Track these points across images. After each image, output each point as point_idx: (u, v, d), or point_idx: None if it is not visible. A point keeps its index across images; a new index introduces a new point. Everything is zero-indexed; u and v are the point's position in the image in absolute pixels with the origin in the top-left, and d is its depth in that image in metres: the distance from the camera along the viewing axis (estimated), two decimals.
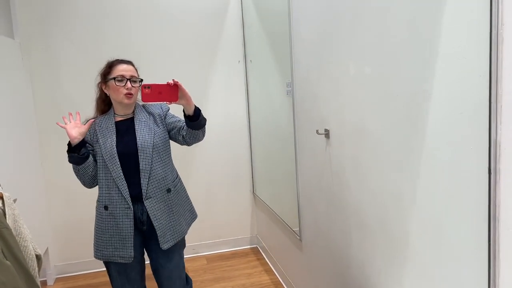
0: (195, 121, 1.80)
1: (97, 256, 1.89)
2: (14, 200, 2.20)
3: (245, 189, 3.49)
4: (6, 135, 2.44)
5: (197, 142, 1.91)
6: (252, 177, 3.47)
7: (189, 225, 2.02)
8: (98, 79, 1.91)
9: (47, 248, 3.00)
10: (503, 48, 0.91)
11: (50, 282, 3.04)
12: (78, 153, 1.78)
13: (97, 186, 1.91)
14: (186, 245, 2.12)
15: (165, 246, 1.86)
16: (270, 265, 3.11)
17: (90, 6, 2.99)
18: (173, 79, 1.71)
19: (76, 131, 1.77)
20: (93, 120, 1.87)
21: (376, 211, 1.50)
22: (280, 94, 2.51)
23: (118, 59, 1.89)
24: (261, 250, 3.41)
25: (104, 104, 1.95)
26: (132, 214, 1.83)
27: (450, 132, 1.08)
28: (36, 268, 1.88)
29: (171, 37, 3.16)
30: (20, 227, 1.84)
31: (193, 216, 2.08)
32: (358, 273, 1.70)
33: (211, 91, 3.29)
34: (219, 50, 3.29)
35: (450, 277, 1.14)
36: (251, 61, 3.18)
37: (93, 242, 1.91)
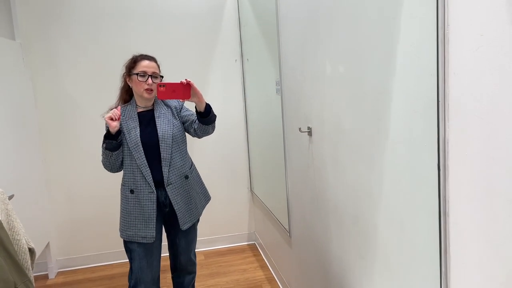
0: (206, 117, 1.97)
1: (123, 236, 2.04)
2: (11, 196, 2.28)
3: (243, 186, 3.53)
4: (8, 134, 2.53)
5: (207, 135, 2.08)
6: (250, 175, 3.52)
7: (203, 207, 2.23)
8: (123, 70, 2.06)
9: (48, 242, 3.09)
10: (449, 48, 0.93)
11: (51, 276, 3.14)
12: (116, 139, 1.94)
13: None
14: None
15: (184, 227, 2.07)
16: (266, 261, 3.16)
17: (90, 7, 3.06)
18: (185, 79, 1.87)
19: (116, 122, 1.92)
20: (119, 107, 1.99)
21: (351, 206, 1.53)
22: (271, 92, 2.55)
23: (142, 55, 2.04)
24: (258, 247, 3.45)
25: (127, 94, 2.11)
26: (155, 198, 2.00)
27: (407, 129, 1.11)
28: (29, 261, 1.95)
29: (169, 36, 3.22)
30: (13, 221, 1.91)
31: (207, 198, 2.28)
32: (337, 268, 1.73)
33: (209, 90, 3.34)
34: (216, 49, 3.33)
35: (409, 269, 1.17)
36: (247, 59, 3.22)
37: (119, 224, 2.09)
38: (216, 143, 3.42)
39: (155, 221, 2.01)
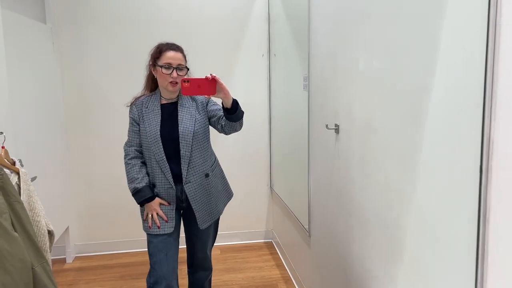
0: (233, 114, 1.86)
1: (144, 229, 2.01)
2: (34, 178, 2.30)
3: (263, 183, 3.49)
4: (34, 117, 2.55)
5: (235, 132, 1.97)
6: (270, 172, 3.47)
7: (225, 204, 2.17)
8: (148, 59, 1.98)
9: (68, 227, 3.11)
10: (500, 42, 0.87)
11: (69, 260, 3.16)
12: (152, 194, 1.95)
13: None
14: None
15: (203, 226, 2.02)
16: (282, 260, 3.11)
17: None
18: (210, 74, 1.77)
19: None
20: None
21: (378, 208, 1.47)
22: (298, 88, 2.49)
23: (168, 44, 1.95)
24: (275, 245, 3.41)
25: (153, 83, 2.04)
26: (174, 193, 1.96)
27: (448, 129, 1.04)
28: (48, 243, 1.96)
29: (197, 28, 3.19)
30: (34, 202, 1.92)
31: (229, 195, 2.22)
32: (358, 271, 1.67)
33: (234, 84, 3.30)
34: (244, 44, 3.30)
35: (441, 276, 1.10)
36: (275, 55, 3.17)
37: (140, 215, 2.04)
38: (238, 138, 3.38)
39: (174, 214, 1.98)
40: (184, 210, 2.08)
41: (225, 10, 3.22)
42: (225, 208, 2.21)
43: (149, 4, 3.11)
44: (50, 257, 1.97)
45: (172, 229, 1.97)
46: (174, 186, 1.95)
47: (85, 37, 3.06)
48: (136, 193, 1.94)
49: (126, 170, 1.99)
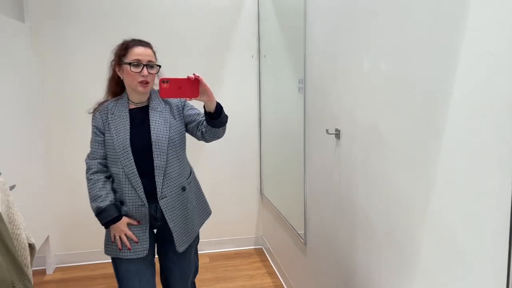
0: (217, 119, 1.67)
1: (107, 252, 1.76)
2: (12, 187, 2.15)
3: (253, 188, 3.40)
4: (12, 121, 2.40)
5: (217, 139, 1.78)
6: (260, 176, 3.38)
7: (201, 223, 1.92)
8: (112, 58, 1.75)
9: (48, 236, 2.96)
10: None
11: (49, 271, 3.00)
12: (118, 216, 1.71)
13: None
14: None
15: (181, 248, 1.76)
16: (274, 268, 3.02)
17: None
18: (193, 73, 1.57)
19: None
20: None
21: (385, 219, 1.39)
22: (292, 91, 2.41)
23: (135, 40, 1.73)
24: (265, 252, 3.31)
25: (117, 86, 1.79)
26: (147, 211, 1.71)
27: (470, 136, 0.97)
28: (28, 258, 1.81)
29: (183, 30, 3.08)
30: (14, 214, 1.78)
31: (206, 213, 1.97)
32: (363, 283, 1.59)
33: (223, 86, 3.20)
34: (232, 44, 3.20)
35: None
36: (265, 56, 3.08)
37: (104, 238, 1.79)
38: (226, 142, 3.26)
39: (148, 235, 1.74)
40: (158, 231, 1.85)
41: (212, 9, 3.12)
42: (215, 214, 2.09)
43: (133, 1, 2.98)
44: (31, 272, 1.83)
45: (145, 252, 1.73)
46: (146, 203, 1.70)
47: (65, 36, 2.91)
48: (99, 213, 1.69)
49: (88, 187, 1.74)
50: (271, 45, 2.89)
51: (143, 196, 1.69)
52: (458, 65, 1.01)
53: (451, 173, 1.05)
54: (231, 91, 3.22)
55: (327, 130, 1.80)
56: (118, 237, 1.71)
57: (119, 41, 1.76)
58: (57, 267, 3.09)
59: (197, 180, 1.94)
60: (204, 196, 1.97)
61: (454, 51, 1.02)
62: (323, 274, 2.03)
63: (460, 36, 0.99)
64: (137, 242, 1.72)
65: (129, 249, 1.71)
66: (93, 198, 1.72)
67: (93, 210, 1.73)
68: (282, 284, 2.77)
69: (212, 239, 3.32)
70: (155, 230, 1.87)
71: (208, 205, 1.99)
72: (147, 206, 1.71)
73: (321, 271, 2.05)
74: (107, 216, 1.69)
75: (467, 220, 1.00)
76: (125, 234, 1.71)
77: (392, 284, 1.36)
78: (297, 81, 2.29)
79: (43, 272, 3.01)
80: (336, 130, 1.77)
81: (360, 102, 1.54)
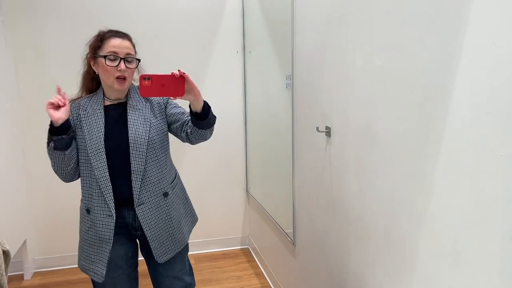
0: (204, 120, 1.52)
1: (79, 265, 1.65)
2: None
3: (238, 187, 3.32)
4: None
5: (203, 141, 1.64)
6: (246, 175, 3.31)
7: (189, 231, 1.77)
8: (86, 50, 1.59)
9: (25, 240, 2.83)
10: None
11: (27, 277, 2.87)
12: (67, 133, 1.47)
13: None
14: None
15: (162, 259, 1.61)
16: (261, 268, 2.95)
17: None
18: (178, 70, 1.41)
19: (61, 110, 1.45)
20: (59, 86, 1.51)
21: (380, 220, 1.34)
22: (279, 88, 2.34)
23: (112, 31, 1.56)
24: (252, 252, 3.25)
25: (92, 81, 1.64)
26: (113, 224, 1.54)
27: (473, 135, 0.92)
28: (3, 265, 1.71)
29: (165, 24, 2.97)
30: None
31: (193, 219, 1.82)
32: (356, 284, 1.53)
33: (206, 83, 3.11)
34: (216, 40, 3.11)
35: None
36: (250, 52, 3.01)
37: (78, 244, 1.67)
38: (210, 140, 3.12)
39: (108, 254, 1.55)
40: (140, 241, 1.70)
41: (195, 3, 3.02)
42: (199, 214, 1.99)
43: None
44: (6, 280, 1.72)
45: (102, 279, 1.56)
46: (114, 214, 1.53)
47: (42, 31, 2.78)
48: (52, 140, 1.49)
49: (51, 158, 1.55)
50: (256, 40, 2.81)
51: (111, 203, 1.52)
52: (460, 58, 0.95)
53: (452, 173, 0.99)
54: (215, 88, 3.12)
55: (317, 128, 1.73)
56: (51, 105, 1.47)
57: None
58: (35, 272, 2.96)
59: (182, 185, 1.79)
60: (190, 202, 1.83)
61: (455, 43, 0.96)
62: (313, 276, 1.97)
63: (462, 26, 0.93)
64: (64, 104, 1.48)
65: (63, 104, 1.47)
66: (47, 150, 1.55)
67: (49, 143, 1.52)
68: (270, 285, 2.71)
69: (197, 240, 3.23)
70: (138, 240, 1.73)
71: (194, 211, 1.85)
72: (114, 218, 1.54)
73: (311, 273, 1.99)
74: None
75: (470, 222, 0.94)
76: (49, 105, 1.46)
77: (388, 286, 1.31)
78: (284, 77, 2.23)
79: (20, 277, 2.88)
80: (327, 127, 1.70)
81: (353, 99, 1.48)
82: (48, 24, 2.78)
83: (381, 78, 1.29)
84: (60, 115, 1.45)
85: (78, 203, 2.88)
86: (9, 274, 2.87)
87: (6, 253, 1.74)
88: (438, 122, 1.03)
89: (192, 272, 1.83)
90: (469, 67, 0.92)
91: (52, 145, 1.49)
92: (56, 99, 1.45)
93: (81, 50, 2.82)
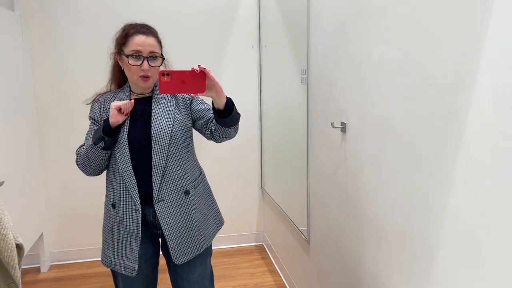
0: (227, 117, 1.45)
1: (103, 262, 1.63)
2: (1, 183, 2.05)
3: (253, 183, 3.29)
4: (3, 114, 2.29)
5: (228, 139, 1.57)
6: (261, 171, 3.27)
7: (213, 234, 1.70)
8: (113, 45, 1.56)
9: (42, 233, 2.86)
10: None
11: (43, 269, 2.91)
12: (116, 136, 1.50)
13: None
14: None
15: (179, 260, 1.56)
16: (275, 266, 2.92)
17: None
18: (199, 65, 1.36)
19: (121, 115, 1.48)
20: (132, 101, 1.51)
21: (397, 218, 1.29)
22: (294, 82, 2.30)
23: (137, 26, 1.52)
24: (266, 249, 3.22)
25: (120, 75, 1.61)
26: (139, 218, 1.51)
27: (495, 131, 0.86)
28: (16, 259, 1.72)
29: (180, 18, 2.96)
30: (0, 213, 1.68)
31: (218, 222, 1.75)
32: (371, 284, 1.49)
33: (221, 78, 3.08)
34: (232, 34, 3.08)
35: None
36: (265, 46, 2.96)
37: (101, 241, 1.65)
38: None
39: (138, 248, 1.53)
40: (162, 241, 1.67)
41: None
42: None
43: None
44: (19, 274, 1.73)
45: (135, 273, 1.54)
46: (139, 208, 1.51)
47: (57, 25, 2.79)
48: (99, 139, 1.48)
49: (81, 157, 1.53)
50: (272, 35, 2.77)
51: (136, 198, 1.50)
52: (483, 50, 0.89)
53: (473, 170, 0.94)
54: (230, 83, 3.10)
55: (332, 124, 1.69)
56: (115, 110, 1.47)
57: (113, 31, 1.60)
58: (52, 265, 3.00)
59: (207, 185, 1.74)
60: (215, 203, 1.76)
61: (477, 34, 0.90)
62: (327, 275, 1.93)
63: (486, 15, 0.88)
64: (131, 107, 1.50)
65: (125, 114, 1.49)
66: (88, 146, 1.51)
67: (94, 143, 1.50)
68: (284, 283, 2.68)
69: None
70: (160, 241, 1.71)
71: (220, 214, 1.78)
72: (141, 212, 1.52)
73: (325, 272, 1.95)
74: (100, 132, 1.48)
75: (491, 222, 0.89)
76: (117, 107, 1.46)
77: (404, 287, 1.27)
78: (299, 72, 2.18)
79: (37, 270, 2.92)
80: (342, 123, 1.66)
81: (369, 94, 1.43)
82: (64, 19, 2.79)
83: (398, 72, 1.24)
84: (120, 119, 1.48)
85: (94, 197, 2.95)
86: (26, 266, 2.93)
87: (19, 247, 1.73)
88: (458, 117, 0.98)
89: (213, 278, 1.78)
90: (492, 58, 0.87)
91: (102, 145, 1.48)
92: (125, 106, 1.48)
93: (96, 43, 2.84)
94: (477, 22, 0.91)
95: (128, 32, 1.50)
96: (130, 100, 1.56)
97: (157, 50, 1.52)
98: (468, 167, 0.96)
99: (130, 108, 1.51)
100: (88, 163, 1.53)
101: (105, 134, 1.47)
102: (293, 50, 2.31)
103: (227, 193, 3.24)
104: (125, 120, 1.52)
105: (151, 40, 1.50)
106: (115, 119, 1.46)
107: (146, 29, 1.52)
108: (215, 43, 3.06)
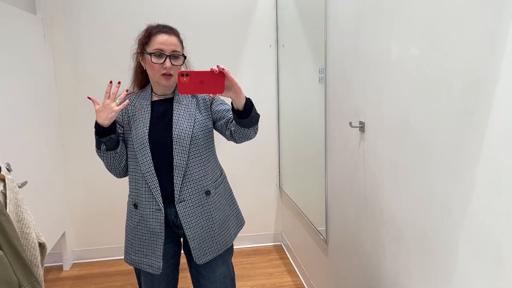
0: (246, 118, 1.44)
1: (126, 260, 1.65)
2: (24, 183, 2.10)
3: (271, 182, 3.29)
4: (25, 115, 2.34)
5: (247, 140, 1.55)
6: (279, 171, 3.26)
7: (235, 234, 1.71)
8: (135, 45, 1.58)
9: (64, 232, 2.92)
10: None
11: (66, 267, 2.97)
12: (115, 132, 1.50)
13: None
14: None
15: (200, 260, 1.57)
16: (294, 266, 2.91)
17: None
18: (217, 66, 1.34)
19: (105, 114, 1.44)
20: (127, 102, 1.49)
21: (416, 220, 1.27)
22: (312, 82, 2.28)
23: (159, 26, 1.54)
24: (285, 249, 3.21)
25: (142, 76, 1.64)
26: (162, 218, 1.54)
27: None
28: (39, 257, 1.76)
29: (198, 18, 2.97)
30: (23, 212, 1.72)
31: (239, 223, 1.76)
32: (390, 286, 1.47)
33: (239, 78, 3.08)
34: (249, 34, 3.07)
35: None
36: (283, 45, 2.95)
37: (124, 241, 1.68)
38: None
39: (162, 247, 1.56)
40: (183, 240, 1.68)
41: None
42: None
43: None
44: (41, 272, 1.77)
45: (160, 271, 1.57)
46: (163, 208, 1.53)
47: (79, 28, 2.84)
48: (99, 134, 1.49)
49: (104, 160, 1.56)
50: (289, 34, 2.76)
51: (159, 198, 1.52)
52: (506, 47, 0.87)
53: (495, 171, 0.91)
54: (248, 83, 3.10)
55: (350, 123, 1.67)
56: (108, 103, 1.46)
57: (133, 33, 1.61)
58: (74, 263, 3.06)
59: (228, 185, 1.74)
60: (236, 204, 1.77)
61: (499, 31, 0.88)
62: (345, 276, 1.91)
63: (508, 12, 0.85)
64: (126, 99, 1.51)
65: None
66: (96, 152, 1.55)
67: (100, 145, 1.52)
68: (303, 284, 2.66)
69: None
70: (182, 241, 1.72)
71: (241, 215, 1.79)
72: (163, 212, 1.54)
73: (344, 273, 1.93)
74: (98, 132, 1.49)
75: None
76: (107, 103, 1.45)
77: None
78: (317, 71, 2.16)
79: (60, 268, 2.98)
80: (361, 123, 1.64)
81: (388, 93, 1.41)
82: (85, 21, 2.84)
83: (417, 69, 1.21)
84: (104, 116, 1.45)
85: (115, 196, 2.99)
86: (49, 264, 2.99)
87: (42, 245, 1.78)
88: (480, 116, 0.96)
89: (234, 278, 1.78)
90: None
91: (104, 147, 1.50)
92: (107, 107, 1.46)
93: (117, 45, 2.88)
94: (499, 19, 0.88)
95: (151, 32, 1.53)
96: (151, 101, 1.58)
97: (179, 49, 1.54)
98: (490, 168, 0.93)
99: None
100: (107, 167, 1.58)
101: (100, 136, 1.48)
102: (310, 49, 2.29)
103: (245, 193, 3.24)
104: (146, 121, 1.54)
105: (173, 39, 1.52)
106: (100, 119, 1.44)
107: (168, 29, 1.54)
108: (233, 43, 3.06)
